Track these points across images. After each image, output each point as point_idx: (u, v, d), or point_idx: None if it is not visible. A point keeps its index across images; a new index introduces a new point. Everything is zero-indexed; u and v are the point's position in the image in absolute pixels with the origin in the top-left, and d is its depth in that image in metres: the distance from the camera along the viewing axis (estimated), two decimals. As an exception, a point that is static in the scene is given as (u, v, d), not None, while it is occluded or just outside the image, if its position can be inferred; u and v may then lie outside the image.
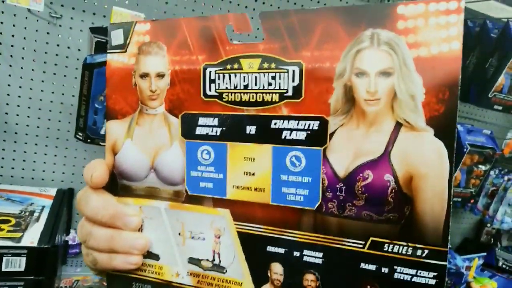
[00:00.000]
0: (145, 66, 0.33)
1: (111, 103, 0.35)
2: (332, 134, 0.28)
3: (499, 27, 1.40)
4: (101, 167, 0.34)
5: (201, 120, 0.32)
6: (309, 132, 0.29)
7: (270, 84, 0.29)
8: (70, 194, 1.14)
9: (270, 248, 0.31)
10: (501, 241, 1.88)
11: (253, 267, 0.32)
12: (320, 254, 0.29)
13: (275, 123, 0.29)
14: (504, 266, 1.73)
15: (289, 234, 0.30)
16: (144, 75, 0.33)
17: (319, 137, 0.28)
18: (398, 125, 0.27)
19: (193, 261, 0.34)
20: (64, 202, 1.06)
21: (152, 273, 0.35)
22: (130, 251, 0.34)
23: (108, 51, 0.34)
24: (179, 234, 0.34)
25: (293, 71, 0.28)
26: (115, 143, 0.35)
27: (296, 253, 0.30)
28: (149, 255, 0.35)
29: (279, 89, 0.29)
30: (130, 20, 1.02)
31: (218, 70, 0.31)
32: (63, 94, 1.11)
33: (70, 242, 1.13)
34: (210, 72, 0.31)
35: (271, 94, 0.29)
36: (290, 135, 0.29)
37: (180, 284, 0.34)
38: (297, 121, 0.29)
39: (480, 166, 1.53)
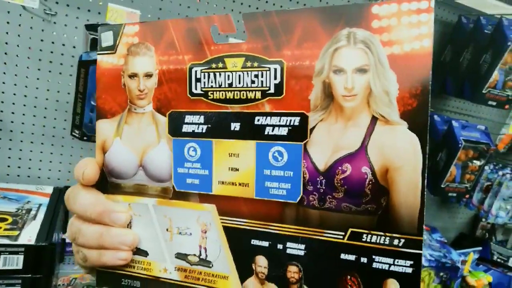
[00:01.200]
0: (133, 67, 0.34)
1: (101, 103, 0.36)
2: (312, 129, 0.29)
3: (492, 24, 1.41)
4: (92, 165, 0.35)
5: (188, 118, 0.33)
6: (290, 128, 0.30)
7: (253, 82, 0.30)
8: (67, 191, 1.14)
9: (255, 242, 0.31)
10: (496, 236, 1.90)
11: (238, 260, 0.32)
12: (302, 246, 0.30)
13: (258, 120, 0.30)
14: (499, 260, 1.75)
15: (273, 227, 0.31)
16: (132, 75, 0.34)
17: (300, 132, 0.29)
18: (374, 119, 0.28)
19: (180, 256, 0.34)
20: (61, 200, 1.06)
21: (141, 269, 0.35)
22: (119, 247, 0.34)
23: (98, 53, 0.35)
24: (167, 230, 0.34)
25: (275, 69, 0.29)
26: (104, 142, 0.36)
27: (280, 246, 0.31)
28: (138, 251, 0.36)
29: (262, 86, 0.30)
30: (125, 17, 1.03)
31: (204, 69, 0.32)
32: (58, 91, 1.11)
33: (67, 240, 1.13)
34: (196, 71, 0.32)
35: (254, 92, 0.30)
36: (272, 130, 0.30)
37: (168, 279, 0.35)
38: (279, 117, 0.30)
39: (475, 161, 1.54)
